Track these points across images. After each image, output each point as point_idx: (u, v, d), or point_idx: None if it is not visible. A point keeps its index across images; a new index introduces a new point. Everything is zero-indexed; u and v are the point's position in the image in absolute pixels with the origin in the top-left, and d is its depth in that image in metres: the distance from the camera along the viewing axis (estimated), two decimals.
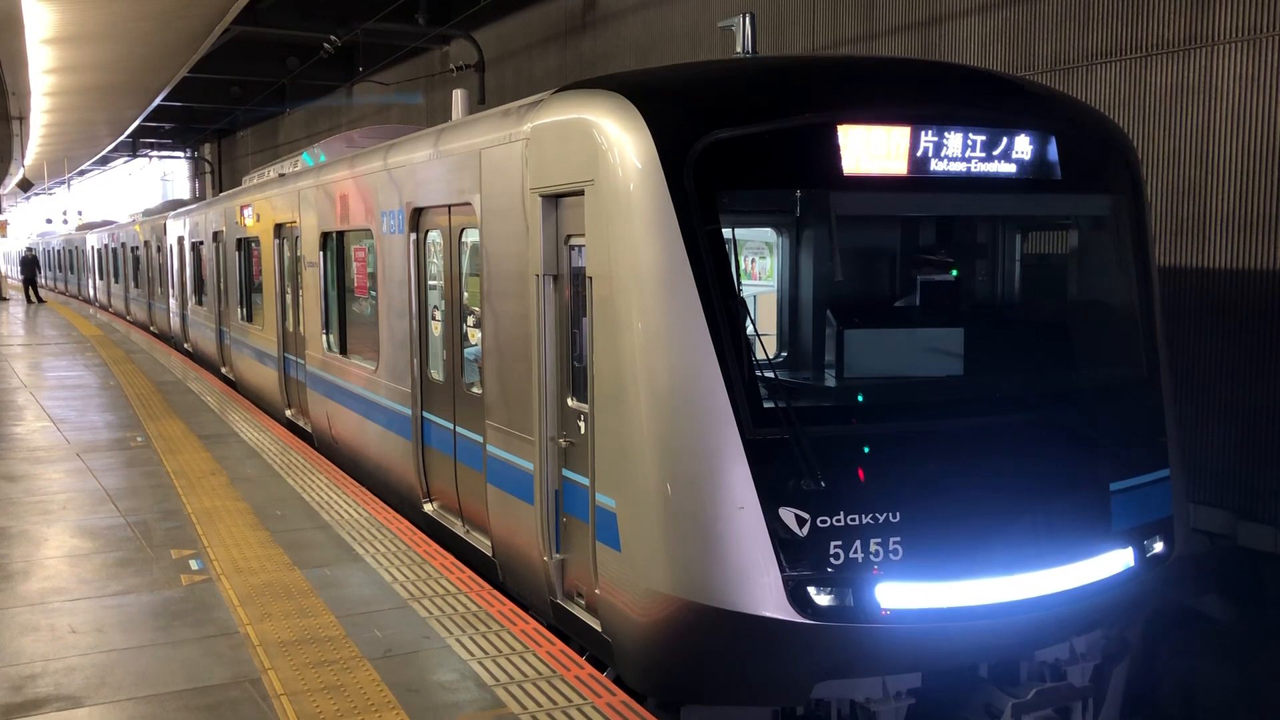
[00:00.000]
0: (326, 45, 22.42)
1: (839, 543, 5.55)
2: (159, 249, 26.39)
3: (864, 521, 5.58)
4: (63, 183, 52.36)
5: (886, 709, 5.87)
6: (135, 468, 10.86)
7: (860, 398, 6.07)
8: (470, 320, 8.38)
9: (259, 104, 36.88)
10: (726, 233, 5.70)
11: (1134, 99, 10.58)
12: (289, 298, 14.10)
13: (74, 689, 5.64)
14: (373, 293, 10.45)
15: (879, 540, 5.59)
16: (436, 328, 9.10)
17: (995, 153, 6.20)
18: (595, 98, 6.32)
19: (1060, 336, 6.89)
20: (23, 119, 26.63)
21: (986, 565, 5.79)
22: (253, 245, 16.22)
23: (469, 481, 8.31)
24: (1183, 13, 10.11)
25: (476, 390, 8.09)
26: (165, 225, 25.07)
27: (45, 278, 55.36)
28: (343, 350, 11.79)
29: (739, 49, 7.34)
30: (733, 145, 5.79)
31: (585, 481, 6.41)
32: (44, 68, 20.39)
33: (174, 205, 28.90)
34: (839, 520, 5.56)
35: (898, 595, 5.62)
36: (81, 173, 55.13)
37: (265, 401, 15.57)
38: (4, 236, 46.29)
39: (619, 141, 5.94)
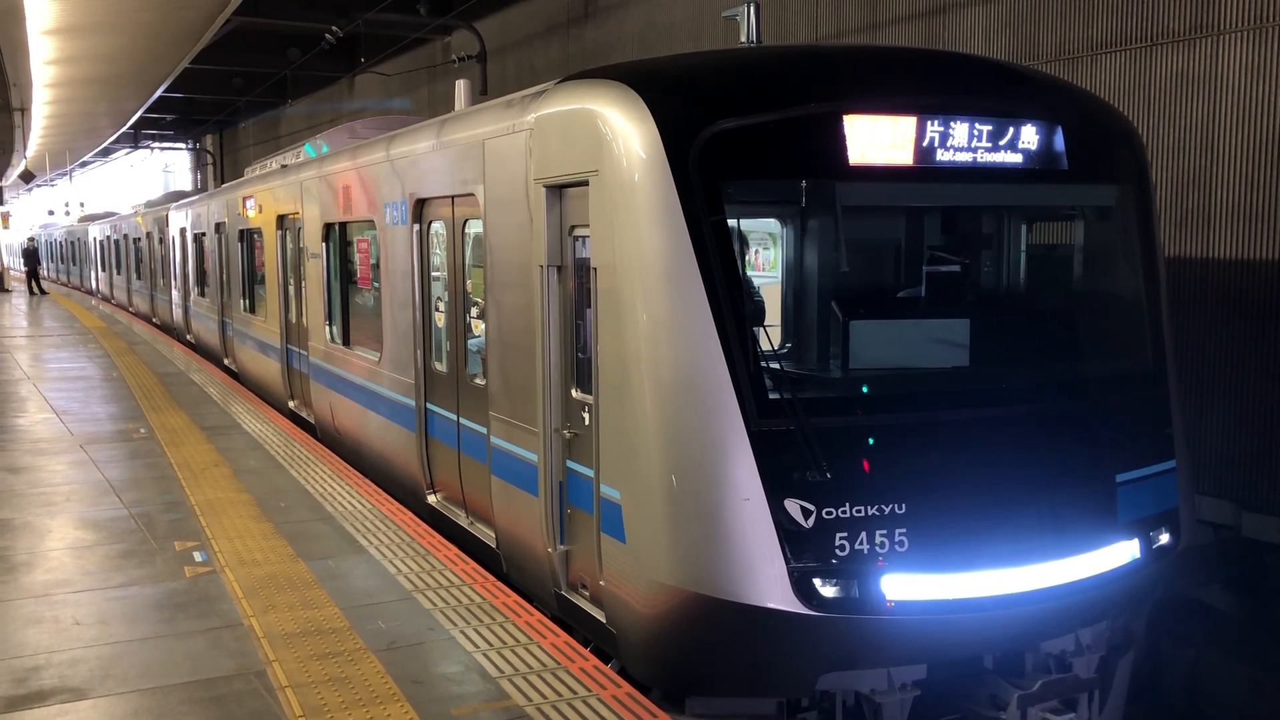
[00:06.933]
0: (328, 36, 22.39)
1: (844, 534, 5.54)
2: (161, 240, 26.37)
3: (869, 513, 5.56)
4: (64, 174, 52.26)
5: (891, 700, 5.86)
6: (138, 459, 10.86)
7: (865, 389, 6.04)
8: (474, 311, 8.37)
9: (260, 95, 36.84)
10: (731, 223, 5.68)
11: (1139, 89, 10.54)
12: (292, 289, 14.08)
13: (78, 681, 5.63)
14: (376, 284, 10.43)
15: (884, 532, 5.58)
16: (440, 319, 9.08)
17: (1001, 143, 6.17)
18: (599, 88, 6.29)
19: (1066, 327, 6.86)
20: (24, 110, 26.61)
21: (992, 557, 5.77)
22: (255, 236, 16.20)
23: (473, 473, 8.30)
24: (1187, 2, 10.07)
25: (480, 381, 8.07)
26: (167, 217, 25.05)
27: (47, 269, 55.34)
28: (346, 341, 11.77)
29: (743, 39, 7.32)
30: (738, 135, 5.76)
31: (590, 473, 6.40)
32: (45, 59, 20.37)
33: (176, 197, 28.84)
34: (844, 512, 5.54)
35: (903, 587, 5.60)
36: (83, 164, 55.08)
37: (268, 393, 15.56)
38: (6, 229, 46.32)
39: (623, 131, 5.91)
